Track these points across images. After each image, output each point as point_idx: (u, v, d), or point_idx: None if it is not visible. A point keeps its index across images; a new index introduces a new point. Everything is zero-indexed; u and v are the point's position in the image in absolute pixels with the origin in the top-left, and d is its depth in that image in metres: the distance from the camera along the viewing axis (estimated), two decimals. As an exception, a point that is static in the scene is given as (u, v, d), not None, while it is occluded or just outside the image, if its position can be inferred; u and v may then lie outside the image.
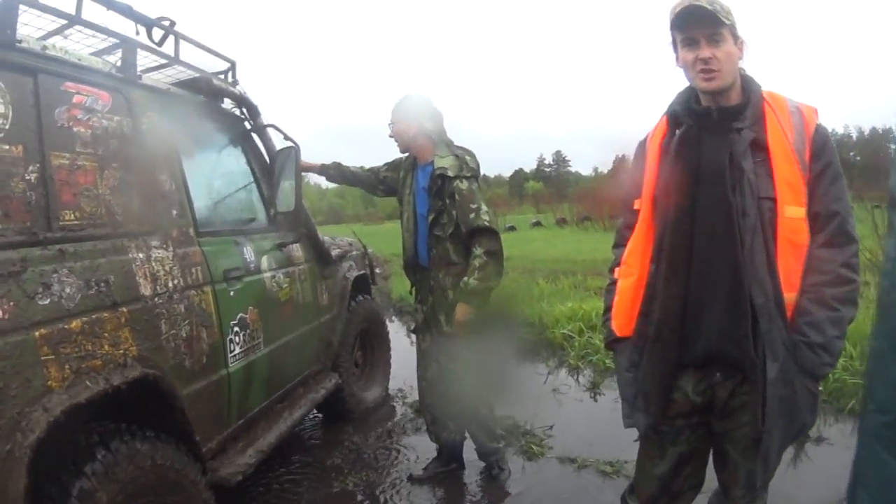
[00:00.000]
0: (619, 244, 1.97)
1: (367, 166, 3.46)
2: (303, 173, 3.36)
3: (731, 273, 1.64)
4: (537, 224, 38.81)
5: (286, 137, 3.10)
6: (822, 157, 1.66)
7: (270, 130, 3.23)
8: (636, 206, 1.88)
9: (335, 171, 3.47)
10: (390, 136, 3.08)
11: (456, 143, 3.08)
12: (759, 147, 1.67)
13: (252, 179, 3.17)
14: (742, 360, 1.66)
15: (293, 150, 3.01)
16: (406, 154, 3.19)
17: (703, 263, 1.70)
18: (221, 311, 2.47)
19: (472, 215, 2.89)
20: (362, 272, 4.29)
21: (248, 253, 2.76)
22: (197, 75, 2.84)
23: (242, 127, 3.19)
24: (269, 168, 3.17)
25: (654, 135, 1.87)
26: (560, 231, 29.24)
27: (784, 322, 1.61)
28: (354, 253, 4.33)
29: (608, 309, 1.93)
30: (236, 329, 2.57)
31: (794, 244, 1.63)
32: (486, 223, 2.89)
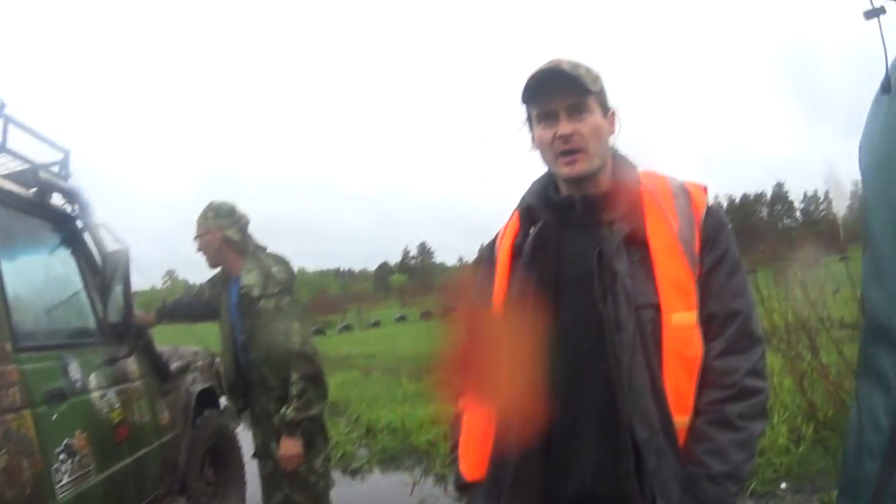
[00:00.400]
0: None
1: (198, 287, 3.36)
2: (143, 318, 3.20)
3: (605, 400, 1.32)
4: (402, 318, 38.77)
5: (116, 239, 2.91)
6: (715, 247, 1.37)
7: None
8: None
9: (170, 316, 3.32)
10: (198, 252, 2.97)
11: (269, 251, 3.01)
12: (637, 243, 1.36)
13: (82, 285, 2.91)
14: (625, 503, 1.30)
15: (122, 255, 2.82)
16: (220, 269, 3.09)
17: (569, 390, 1.37)
18: (43, 437, 2.20)
19: (280, 339, 2.75)
20: (208, 385, 4.03)
21: (75, 370, 2.50)
22: (25, 166, 2.64)
23: (73, 226, 2.95)
24: (101, 272, 2.96)
25: (505, 234, 1.57)
26: (426, 325, 29.35)
27: (676, 455, 1.28)
28: (200, 363, 4.07)
29: (454, 447, 1.56)
30: (63, 457, 2.29)
31: (684, 358, 1.31)
32: (295, 347, 2.74)
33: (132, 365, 3.04)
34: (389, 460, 5.93)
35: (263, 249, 2.98)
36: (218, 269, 3.07)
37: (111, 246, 2.91)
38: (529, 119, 1.47)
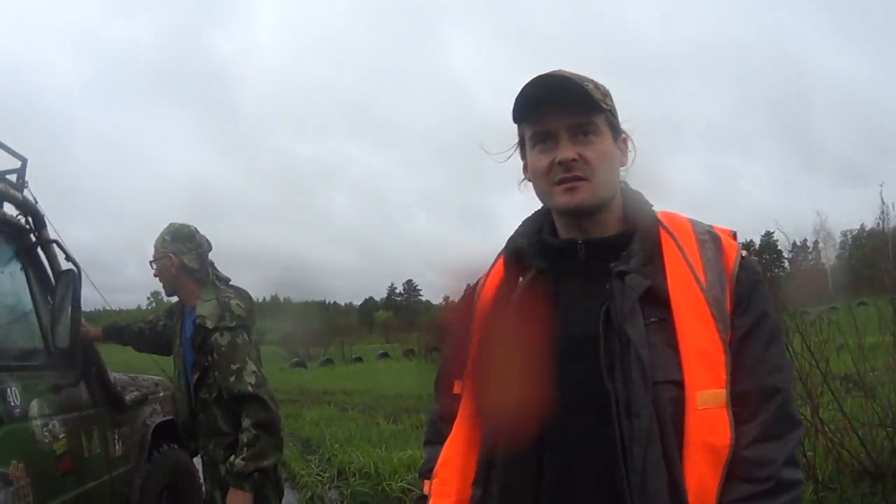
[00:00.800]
0: (433, 440, 1.35)
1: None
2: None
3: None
4: (384, 355, 38.36)
5: (68, 258, 2.76)
6: (751, 308, 1.11)
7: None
8: (457, 390, 1.29)
9: (117, 337, 3.13)
10: (154, 276, 2.81)
11: (232, 283, 2.85)
12: (655, 301, 1.09)
13: (30, 304, 2.74)
14: None
15: (72, 275, 2.67)
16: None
17: (560, 491, 1.09)
18: (-28, 467, 2.04)
19: (232, 378, 2.53)
20: (167, 418, 3.84)
21: (13, 395, 2.34)
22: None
23: (27, 240, 2.79)
24: (52, 293, 2.81)
25: (488, 283, 1.30)
26: (407, 363, 28.96)
27: None
28: (161, 395, 3.90)
29: None
30: (-6, 489, 2.13)
31: (711, 448, 1.03)
32: (248, 389, 2.52)
33: (81, 393, 2.87)
34: (360, 508, 5.68)
35: (225, 281, 2.83)
36: (175, 298, 2.93)
37: (63, 265, 2.78)
38: (522, 142, 1.23)
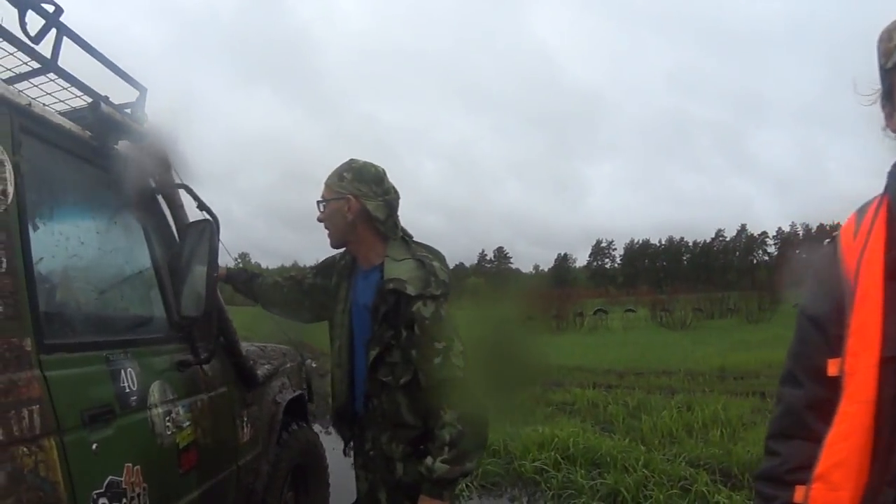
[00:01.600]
0: (792, 434, 1.16)
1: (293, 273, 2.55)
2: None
3: None
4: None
5: (201, 206, 2.21)
6: None
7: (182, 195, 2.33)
8: (832, 371, 1.07)
9: (244, 283, 2.51)
10: (320, 221, 2.19)
11: (418, 239, 2.22)
12: None
13: (150, 264, 2.21)
14: None
15: (208, 227, 2.12)
16: (342, 251, 2.31)
17: None
18: (75, 476, 1.52)
19: (436, 359, 1.96)
20: (298, 392, 3.36)
21: (129, 379, 1.82)
22: (85, 99, 2.02)
23: (146, 185, 2.26)
24: (177, 250, 2.29)
25: (872, 236, 1.07)
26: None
27: None
28: (288, 366, 3.41)
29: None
30: (103, 501, 1.63)
31: None
32: (458, 374, 1.96)
33: (211, 371, 2.37)
34: (491, 487, 5.15)
35: (411, 237, 2.20)
36: (338, 252, 2.33)
37: (192, 215, 2.25)
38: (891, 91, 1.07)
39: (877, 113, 1.12)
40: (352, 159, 2.16)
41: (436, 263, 2.06)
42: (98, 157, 2.00)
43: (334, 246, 2.20)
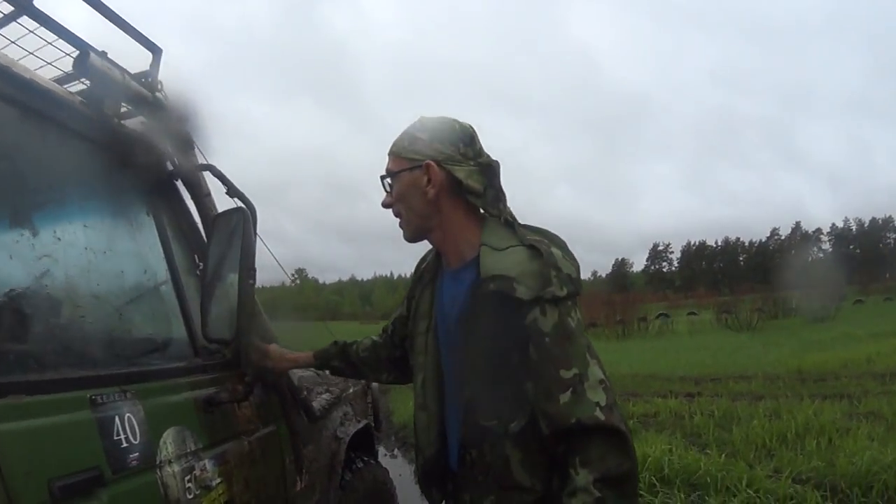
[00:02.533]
0: None
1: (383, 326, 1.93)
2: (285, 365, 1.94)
3: None
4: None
5: (231, 192, 1.69)
6: None
7: (209, 179, 1.82)
8: None
9: (340, 360, 1.92)
10: (386, 207, 1.56)
11: (523, 223, 1.54)
12: None
13: (164, 270, 1.69)
14: None
15: (241, 218, 1.60)
16: (425, 253, 1.71)
17: None
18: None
19: (563, 395, 1.30)
20: (363, 422, 2.83)
21: (128, 428, 1.32)
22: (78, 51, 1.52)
23: (160, 167, 1.77)
24: (203, 249, 1.78)
25: None
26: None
27: None
28: (351, 391, 2.89)
29: None
30: None
31: None
32: (597, 416, 1.28)
33: (252, 407, 1.84)
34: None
35: (515, 217, 1.52)
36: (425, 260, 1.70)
37: (221, 206, 1.74)
38: None
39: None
40: (423, 116, 1.55)
41: (555, 251, 1.41)
42: (91, 128, 1.51)
43: (411, 237, 1.56)
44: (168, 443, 1.42)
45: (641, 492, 4.57)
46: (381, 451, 3.64)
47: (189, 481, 1.46)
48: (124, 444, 1.29)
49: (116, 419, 1.29)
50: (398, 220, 1.55)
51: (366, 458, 2.82)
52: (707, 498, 4.41)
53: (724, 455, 5.24)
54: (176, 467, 1.42)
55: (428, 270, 1.63)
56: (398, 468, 5.70)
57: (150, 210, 1.68)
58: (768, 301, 33.73)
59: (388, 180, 1.54)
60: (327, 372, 2.01)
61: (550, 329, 1.33)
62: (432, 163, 1.47)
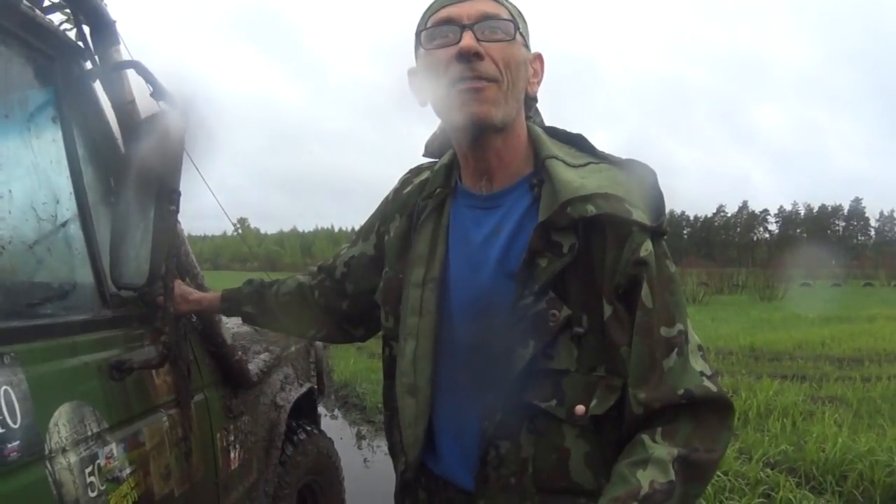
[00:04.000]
0: None
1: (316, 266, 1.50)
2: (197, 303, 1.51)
3: None
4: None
5: (157, 94, 1.27)
6: None
7: (132, 79, 1.41)
8: None
9: (254, 304, 1.47)
10: (476, 57, 0.99)
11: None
12: None
13: (70, 193, 1.29)
14: None
15: (167, 124, 1.19)
16: (406, 175, 1.30)
17: None
18: None
19: (669, 358, 0.98)
20: (307, 386, 2.48)
21: (7, 404, 0.94)
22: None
23: (75, 63, 1.38)
24: (119, 165, 1.37)
25: None
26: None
27: None
28: (293, 349, 2.54)
29: None
30: None
31: None
32: (709, 386, 0.98)
33: (173, 373, 1.47)
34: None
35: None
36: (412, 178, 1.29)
37: (146, 109, 1.32)
38: None
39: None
40: None
41: (638, 169, 1.07)
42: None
43: (502, 120, 1.03)
44: (61, 423, 1.05)
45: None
46: (321, 411, 3.29)
47: (91, 474, 1.10)
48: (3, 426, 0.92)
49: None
50: (478, 90, 1.01)
51: (308, 428, 2.49)
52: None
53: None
54: (72, 457, 1.06)
55: (427, 199, 1.19)
56: (339, 431, 5.40)
57: (57, 116, 1.26)
58: (713, 276, 33.94)
59: (499, 26, 1.03)
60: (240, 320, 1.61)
61: (657, 272, 1.00)
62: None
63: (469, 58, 0.99)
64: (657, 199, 1.03)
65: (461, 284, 1.13)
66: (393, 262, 1.22)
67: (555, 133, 1.15)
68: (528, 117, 1.14)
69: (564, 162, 1.06)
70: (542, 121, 1.19)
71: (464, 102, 1.00)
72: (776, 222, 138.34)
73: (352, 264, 1.36)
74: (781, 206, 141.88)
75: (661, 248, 1.02)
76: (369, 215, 1.36)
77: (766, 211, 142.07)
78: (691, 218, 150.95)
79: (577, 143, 1.13)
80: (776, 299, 24.91)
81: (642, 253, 0.98)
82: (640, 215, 0.99)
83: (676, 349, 0.98)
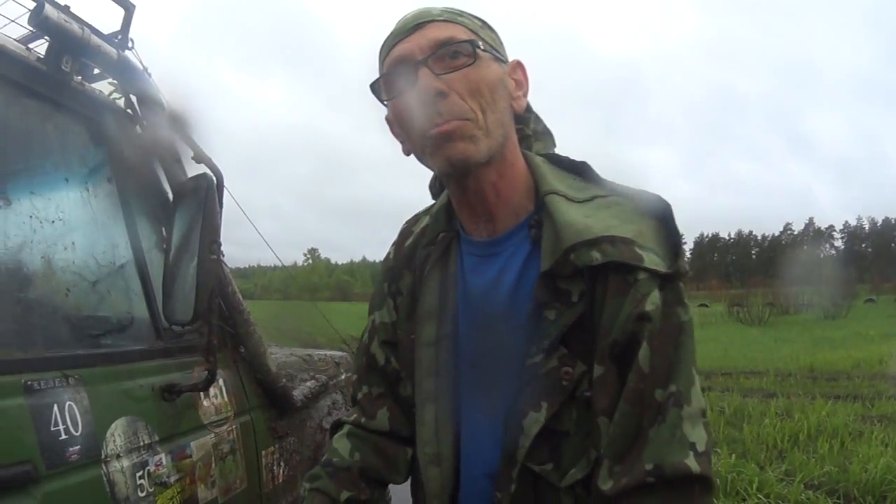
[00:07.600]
0: None
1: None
2: None
3: None
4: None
5: (197, 157, 1.51)
6: None
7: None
8: None
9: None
10: (437, 94, 0.91)
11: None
12: None
13: (126, 242, 1.54)
14: None
15: (206, 185, 1.43)
16: (404, 225, 1.25)
17: None
18: None
19: (654, 427, 0.85)
20: (353, 413, 2.69)
21: (69, 417, 1.17)
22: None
23: (125, 127, 1.61)
24: (169, 218, 1.63)
25: None
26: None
27: None
28: (343, 377, 2.75)
29: None
30: None
31: None
32: (691, 466, 0.82)
33: (221, 395, 1.71)
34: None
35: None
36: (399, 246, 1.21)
37: (189, 171, 1.58)
38: None
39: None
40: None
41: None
42: (46, 87, 1.36)
43: (486, 154, 0.94)
44: (117, 434, 1.28)
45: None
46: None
47: (141, 477, 1.32)
48: (63, 437, 1.15)
49: (55, 407, 1.15)
50: (450, 133, 0.91)
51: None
52: (716, 501, 4.27)
53: (734, 455, 5.08)
54: (125, 462, 1.28)
55: (429, 245, 1.10)
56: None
57: (113, 176, 1.53)
58: (780, 296, 33.51)
59: (458, 50, 0.93)
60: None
61: (662, 324, 0.87)
62: (516, 64, 1.02)
63: (431, 101, 0.89)
64: (672, 238, 0.92)
65: (465, 340, 1.04)
66: (404, 321, 1.12)
67: (558, 161, 1.06)
68: (526, 136, 1.08)
69: (566, 197, 0.96)
70: (543, 127, 1.11)
71: (437, 147, 0.91)
72: (841, 237, 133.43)
73: (385, 344, 1.17)
74: (846, 222, 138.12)
75: (674, 294, 0.89)
76: (374, 289, 1.24)
77: (831, 227, 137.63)
78: (759, 238, 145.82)
79: (581, 172, 1.03)
80: (840, 317, 24.10)
81: (647, 307, 0.86)
82: (651, 260, 0.87)
83: (668, 413, 0.85)
